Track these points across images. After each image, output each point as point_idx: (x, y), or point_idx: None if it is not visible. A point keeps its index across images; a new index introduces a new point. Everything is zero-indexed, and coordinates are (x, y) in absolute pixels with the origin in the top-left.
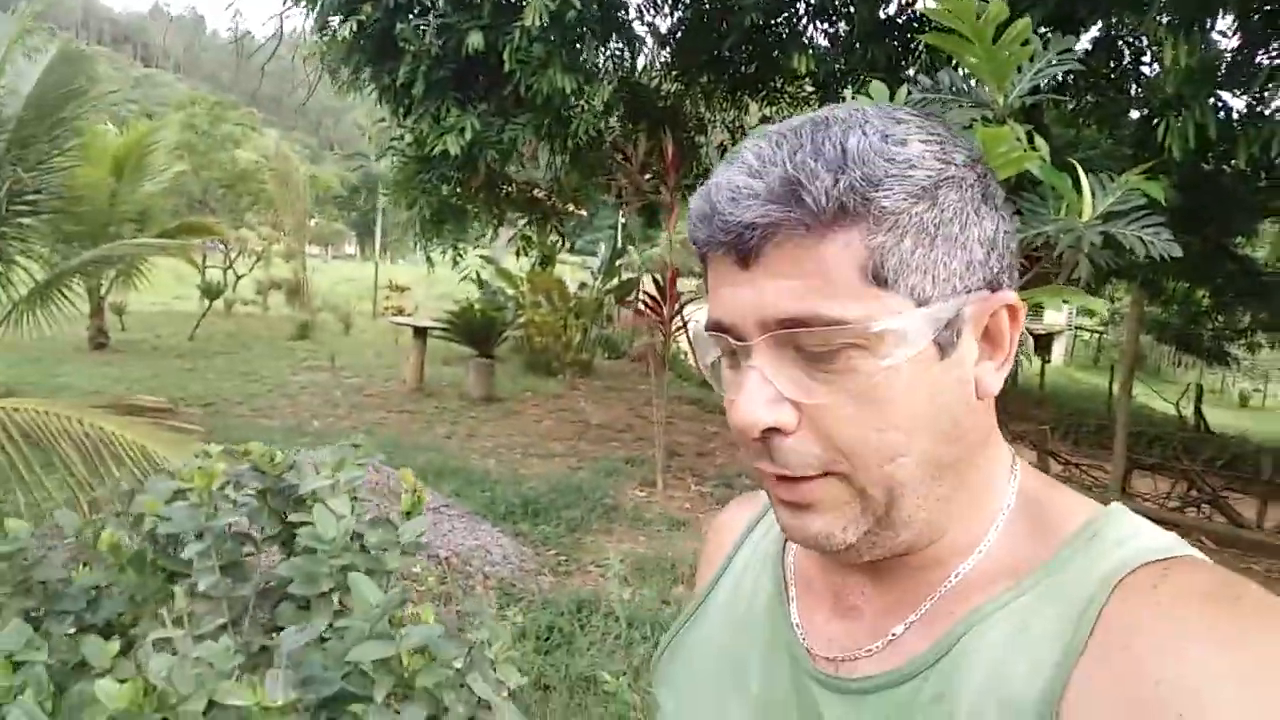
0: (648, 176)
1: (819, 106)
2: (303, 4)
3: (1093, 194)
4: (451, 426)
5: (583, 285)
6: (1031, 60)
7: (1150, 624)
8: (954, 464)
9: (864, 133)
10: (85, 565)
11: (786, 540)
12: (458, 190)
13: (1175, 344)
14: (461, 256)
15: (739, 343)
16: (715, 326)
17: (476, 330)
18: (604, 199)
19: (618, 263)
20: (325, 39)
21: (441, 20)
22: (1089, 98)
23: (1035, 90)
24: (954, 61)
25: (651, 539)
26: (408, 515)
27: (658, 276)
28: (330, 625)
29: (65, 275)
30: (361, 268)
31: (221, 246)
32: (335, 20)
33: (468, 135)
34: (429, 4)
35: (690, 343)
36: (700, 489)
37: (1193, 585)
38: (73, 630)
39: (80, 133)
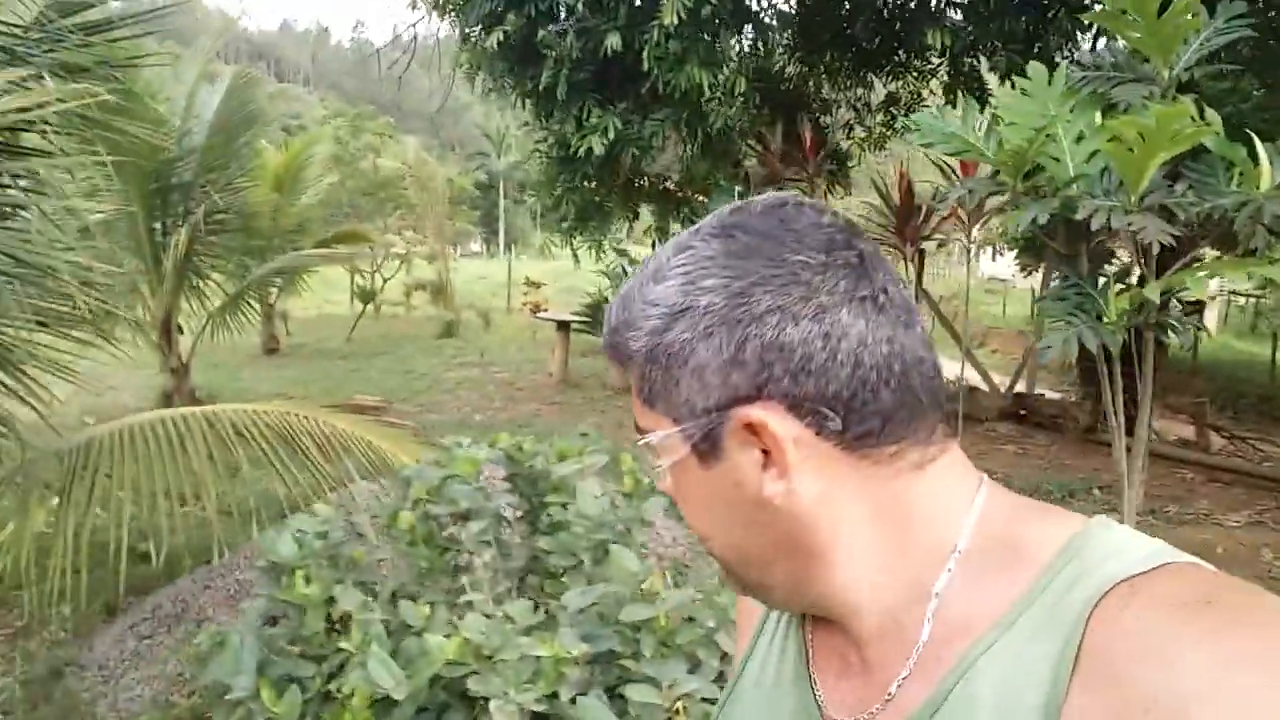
0: (785, 163)
1: (947, 79)
2: (447, 18)
3: (1270, 163)
4: (600, 415)
5: None
6: (1198, 32)
7: (1124, 650)
8: (775, 556)
9: (648, 272)
10: (373, 541)
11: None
12: (600, 188)
13: None
14: (604, 252)
15: None
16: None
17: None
18: (734, 187)
19: None
20: (468, 48)
21: (580, 25)
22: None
23: (1210, 58)
24: (1099, 35)
25: None
26: (628, 496)
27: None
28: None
29: (251, 287)
30: (488, 264)
31: (369, 251)
32: (476, 30)
33: (610, 134)
34: (568, 9)
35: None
36: None
37: (1161, 599)
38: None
39: (258, 154)
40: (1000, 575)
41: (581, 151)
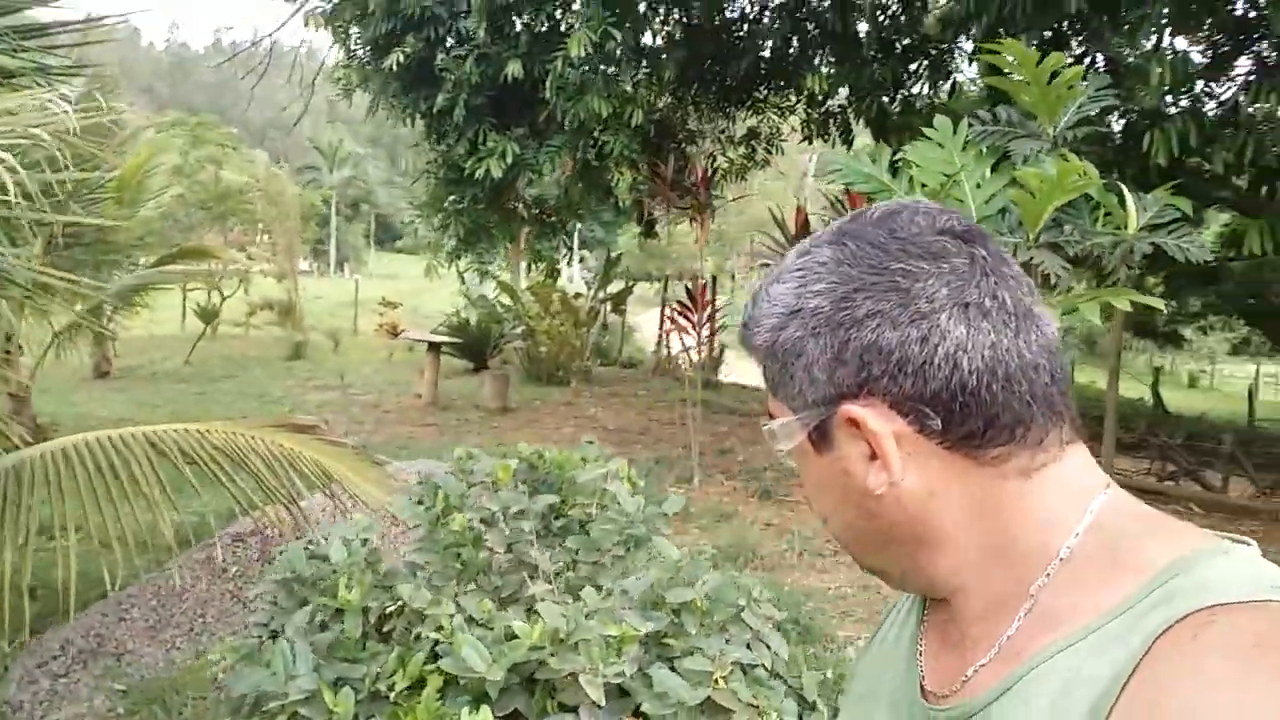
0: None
1: (805, 114)
2: (323, 30)
3: (1136, 208)
4: (479, 436)
5: (577, 295)
6: (1075, 99)
7: (1175, 680)
8: (887, 541)
9: (775, 274)
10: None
11: None
12: (488, 210)
13: (1132, 330)
14: (488, 273)
15: None
16: None
17: (474, 343)
18: (604, 212)
19: (612, 272)
20: (352, 66)
21: (480, 50)
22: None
23: (1083, 122)
24: (954, 87)
25: (704, 531)
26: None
27: (689, 284)
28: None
29: (101, 305)
30: (320, 284)
31: (220, 268)
32: (365, 50)
33: (509, 159)
34: (468, 35)
35: None
36: (733, 483)
37: (1236, 634)
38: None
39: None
40: (1098, 585)
41: (479, 174)
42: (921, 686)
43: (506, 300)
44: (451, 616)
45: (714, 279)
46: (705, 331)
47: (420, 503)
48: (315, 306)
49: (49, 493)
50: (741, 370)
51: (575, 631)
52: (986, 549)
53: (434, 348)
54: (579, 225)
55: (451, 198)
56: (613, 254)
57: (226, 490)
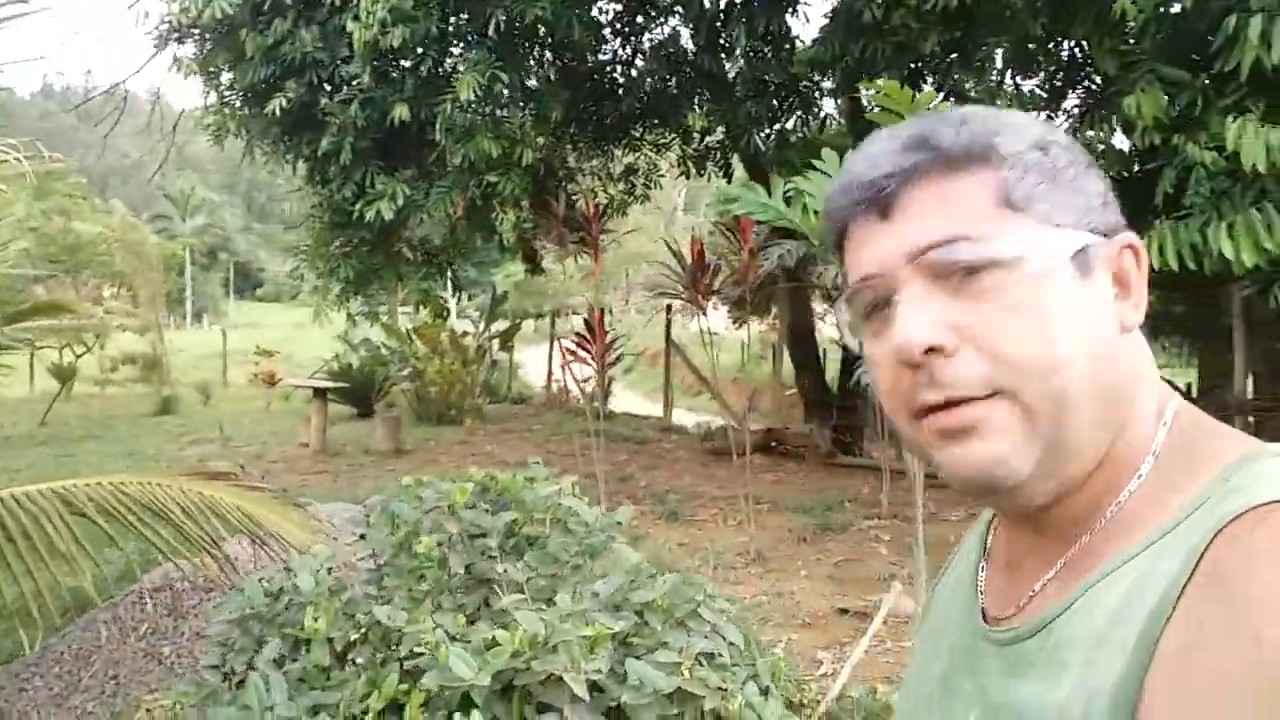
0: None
1: (681, 151)
2: (205, 90)
3: None
4: (375, 480)
5: (464, 334)
6: None
7: (1240, 569)
8: (1112, 390)
9: (974, 111)
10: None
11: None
12: (376, 253)
13: None
14: (377, 316)
15: (877, 279)
16: (863, 280)
17: (359, 388)
18: (491, 251)
19: (498, 310)
20: (224, 111)
21: (364, 94)
22: None
23: None
24: (824, 121)
25: None
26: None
27: (586, 316)
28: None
29: None
30: (179, 336)
31: (76, 324)
32: (241, 95)
33: (399, 200)
34: (352, 79)
35: (838, 326)
36: (640, 507)
37: None
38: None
39: None
40: (1170, 487)
41: (368, 216)
42: (983, 613)
43: (392, 343)
44: (434, 629)
45: (603, 311)
46: (605, 360)
47: (366, 530)
48: (179, 360)
49: None
50: (628, 401)
51: (553, 635)
52: (1127, 434)
53: (320, 394)
54: (452, 267)
55: (338, 241)
56: (498, 292)
57: (149, 542)
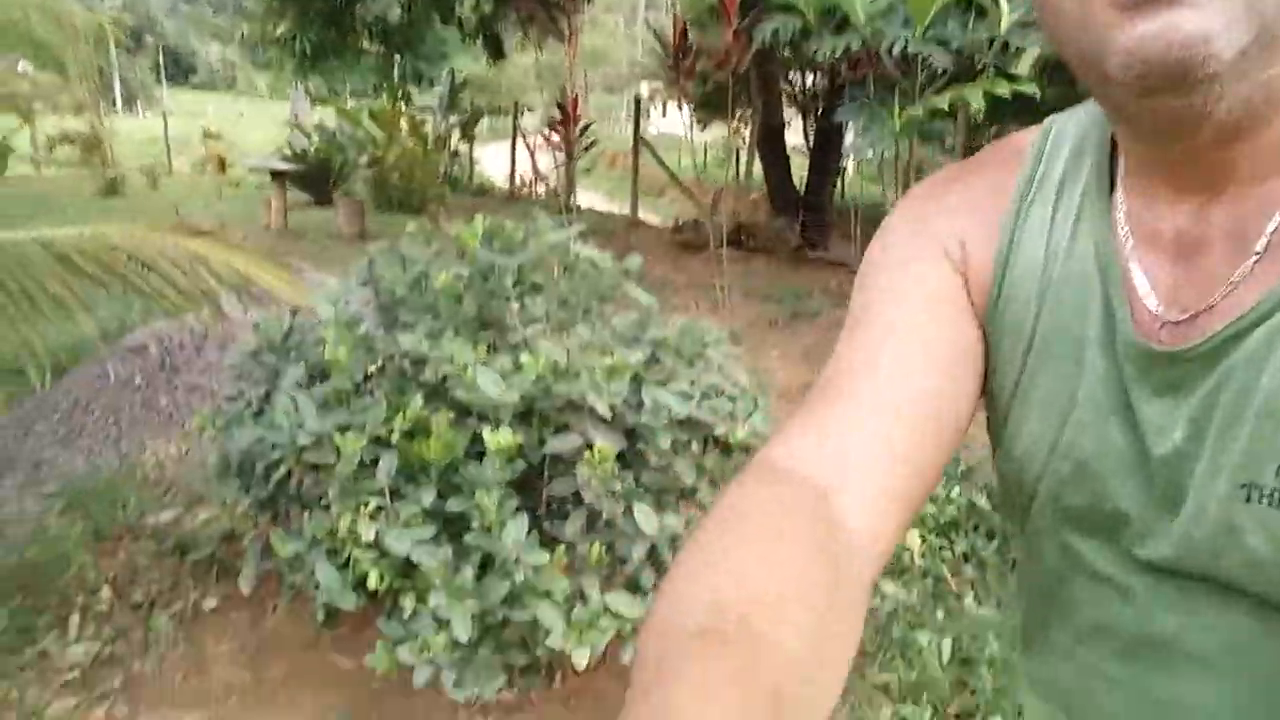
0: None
1: None
2: None
3: (1007, 8)
4: (343, 262)
5: (423, 121)
6: None
7: None
8: None
9: None
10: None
11: (1116, 178)
12: (330, 27)
13: (947, 150)
14: (336, 96)
15: None
16: None
17: (315, 173)
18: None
19: (458, 99)
20: None
21: None
22: None
23: None
24: None
25: None
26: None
27: (560, 100)
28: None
29: None
30: (113, 122)
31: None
32: None
33: None
34: None
35: None
36: None
37: None
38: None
39: None
40: None
41: None
42: (1141, 320)
43: (347, 127)
44: (465, 350)
45: (577, 96)
46: (575, 148)
47: (373, 271)
48: (118, 146)
49: None
50: (589, 200)
51: (574, 362)
52: None
53: (279, 176)
54: (409, 49)
55: (290, 12)
56: (456, 80)
57: (141, 293)
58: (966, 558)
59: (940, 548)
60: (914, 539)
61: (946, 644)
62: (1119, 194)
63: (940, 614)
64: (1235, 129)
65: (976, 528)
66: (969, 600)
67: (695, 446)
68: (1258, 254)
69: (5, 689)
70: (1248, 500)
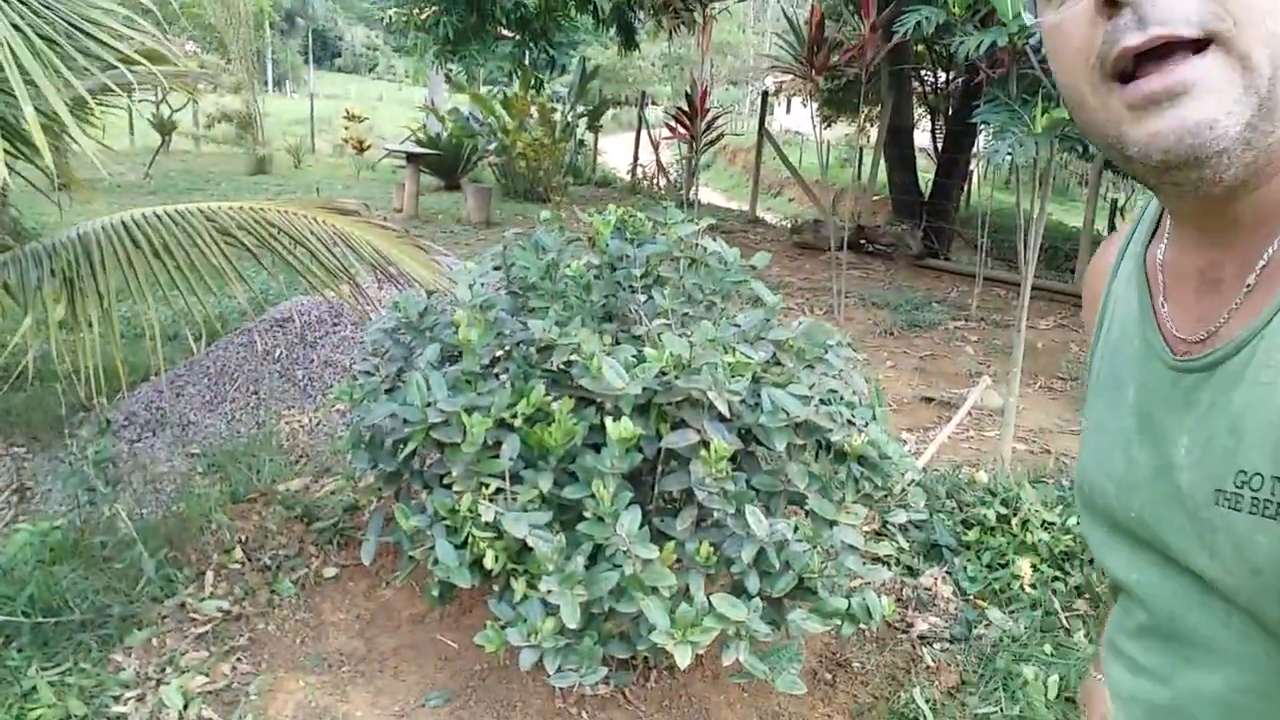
0: None
1: None
2: None
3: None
4: (466, 248)
5: (553, 109)
6: None
7: None
8: None
9: None
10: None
11: (1149, 247)
12: (470, 15)
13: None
14: (472, 81)
15: None
16: None
17: (447, 158)
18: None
19: (588, 86)
20: None
21: None
22: None
23: None
24: None
25: None
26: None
27: (689, 90)
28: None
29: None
30: (265, 100)
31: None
32: None
33: None
34: None
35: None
36: None
37: None
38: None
39: None
40: None
41: None
42: (1165, 344)
43: (480, 113)
44: (590, 340)
45: (706, 87)
46: (701, 141)
47: (509, 256)
48: (267, 124)
49: (120, 265)
50: (706, 195)
51: (696, 357)
52: None
53: (413, 160)
54: (545, 38)
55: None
56: (587, 68)
57: (289, 267)
58: (1080, 591)
59: (1053, 578)
60: (1025, 567)
61: (1054, 680)
62: (1162, 244)
63: (1048, 647)
64: (1242, 187)
65: (1093, 560)
66: (1079, 635)
67: (808, 452)
68: (1248, 287)
69: (148, 636)
70: (1217, 504)
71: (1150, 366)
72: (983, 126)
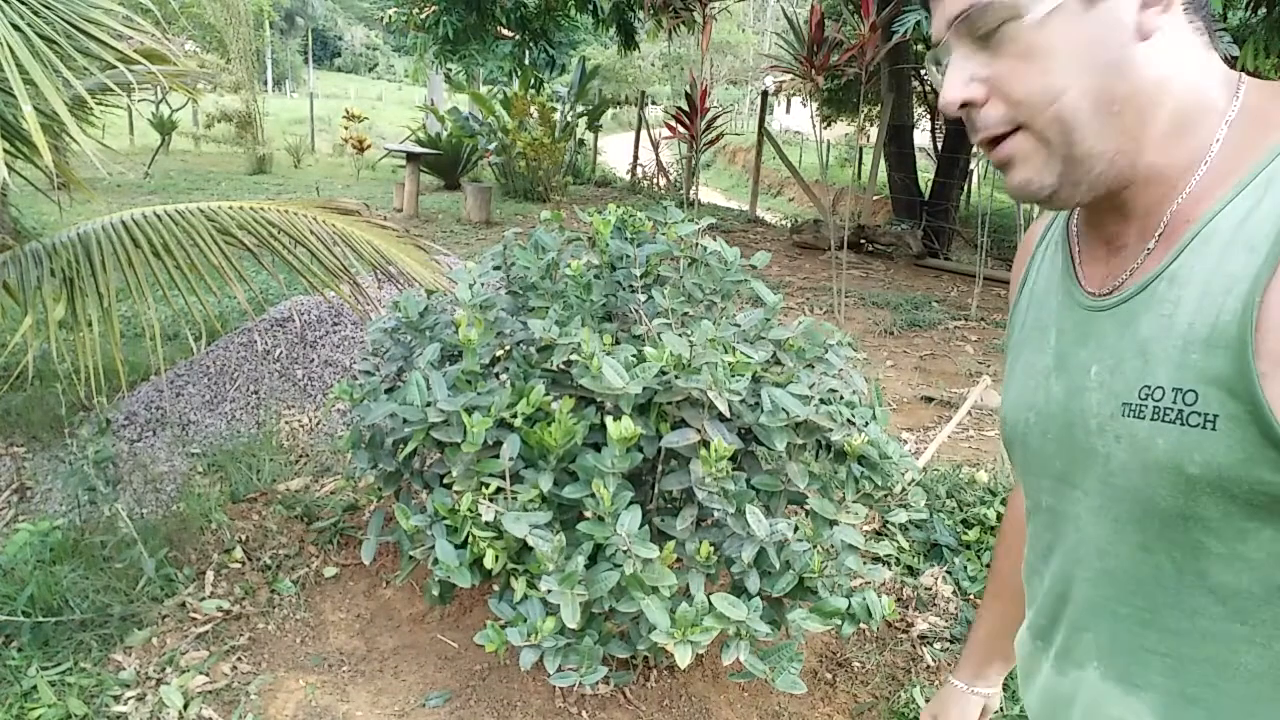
0: None
1: None
2: None
3: None
4: (466, 248)
5: (553, 109)
6: None
7: None
8: (1130, 95)
9: None
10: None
11: (1070, 222)
12: (470, 15)
13: None
14: (471, 79)
15: (939, 45)
16: (933, 42)
17: (447, 158)
18: (581, 21)
19: (588, 85)
20: None
21: None
22: None
23: None
24: None
25: None
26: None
27: (689, 90)
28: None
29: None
30: (264, 100)
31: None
32: None
33: None
34: None
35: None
36: None
37: None
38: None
39: None
40: (1250, 145)
41: None
42: (1085, 293)
43: (480, 113)
44: (590, 340)
45: (706, 86)
46: (700, 140)
47: (510, 255)
48: (266, 123)
49: (120, 264)
50: (705, 195)
51: (696, 357)
52: (1191, 111)
53: (413, 159)
54: (545, 37)
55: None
56: (587, 67)
57: (289, 267)
58: None
59: None
60: None
61: None
62: (1079, 219)
63: None
64: (1108, 193)
65: None
66: None
67: (808, 451)
68: (1148, 250)
69: (148, 636)
70: (1124, 416)
71: (1069, 313)
72: None
